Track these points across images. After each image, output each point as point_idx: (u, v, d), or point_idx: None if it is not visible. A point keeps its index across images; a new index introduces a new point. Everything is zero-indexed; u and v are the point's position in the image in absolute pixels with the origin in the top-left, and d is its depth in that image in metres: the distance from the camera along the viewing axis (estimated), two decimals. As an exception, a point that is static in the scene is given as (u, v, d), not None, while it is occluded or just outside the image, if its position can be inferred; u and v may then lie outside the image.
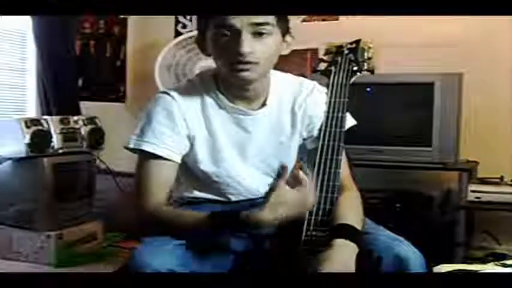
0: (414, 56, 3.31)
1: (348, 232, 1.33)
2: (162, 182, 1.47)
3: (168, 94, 1.49)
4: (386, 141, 3.04)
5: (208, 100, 1.50)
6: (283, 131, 1.54)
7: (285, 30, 1.44)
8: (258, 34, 1.37)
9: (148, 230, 1.45)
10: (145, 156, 1.46)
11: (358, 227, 1.37)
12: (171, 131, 1.46)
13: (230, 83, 1.46)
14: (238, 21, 1.34)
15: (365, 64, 1.58)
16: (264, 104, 1.51)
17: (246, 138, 1.51)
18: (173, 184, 1.61)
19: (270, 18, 1.38)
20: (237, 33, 1.35)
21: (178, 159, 1.49)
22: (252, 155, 1.52)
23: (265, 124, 1.52)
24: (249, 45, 1.35)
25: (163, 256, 1.29)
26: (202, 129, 1.50)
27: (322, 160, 1.43)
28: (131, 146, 1.48)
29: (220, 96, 1.49)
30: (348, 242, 1.31)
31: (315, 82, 1.59)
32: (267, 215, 1.32)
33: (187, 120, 1.48)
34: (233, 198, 1.54)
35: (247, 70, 1.38)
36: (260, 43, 1.37)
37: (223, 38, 1.37)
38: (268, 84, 1.52)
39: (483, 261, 2.79)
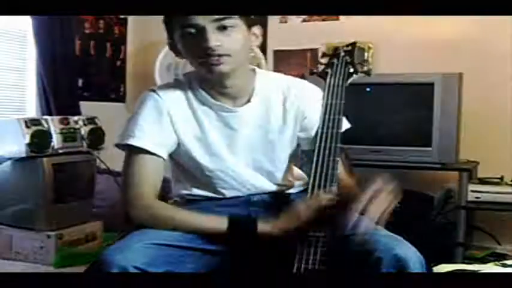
0: (414, 56, 3.31)
1: None
2: (148, 176, 1.46)
3: (154, 91, 1.53)
4: (387, 141, 3.04)
5: (194, 98, 1.53)
6: (272, 128, 1.54)
7: (250, 22, 1.48)
8: (223, 27, 1.41)
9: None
10: (131, 151, 1.47)
11: None
12: (156, 125, 1.48)
13: (209, 80, 1.49)
14: (201, 18, 1.39)
15: (361, 66, 1.58)
16: (248, 101, 1.53)
17: (232, 135, 1.52)
18: (173, 183, 1.62)
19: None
20: (202, 30, 1.40)
21: (165, 155, 1.49)
22: (240, 151, 1.53)
23: (251, 121, 1.53)
24: (215, 39, 1.39)
25: (131, 254, 1.29)
26: (192, 125, 1.51)
27: (319, 161, 1.43)
28: (116, 141, 1.49)
29: (204, 94, 1.52)
30: None
31: (305, 80, 1.61)
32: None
33: (173, 115, 1.50)
34: (228, 194, 1.54)
35: (219, 63, 1.42)
36: (226, 36, 1.41)
37: (190, 37, 1.42)
38: (252, 82, 1.54)
39: (483, 261, 2.79)
